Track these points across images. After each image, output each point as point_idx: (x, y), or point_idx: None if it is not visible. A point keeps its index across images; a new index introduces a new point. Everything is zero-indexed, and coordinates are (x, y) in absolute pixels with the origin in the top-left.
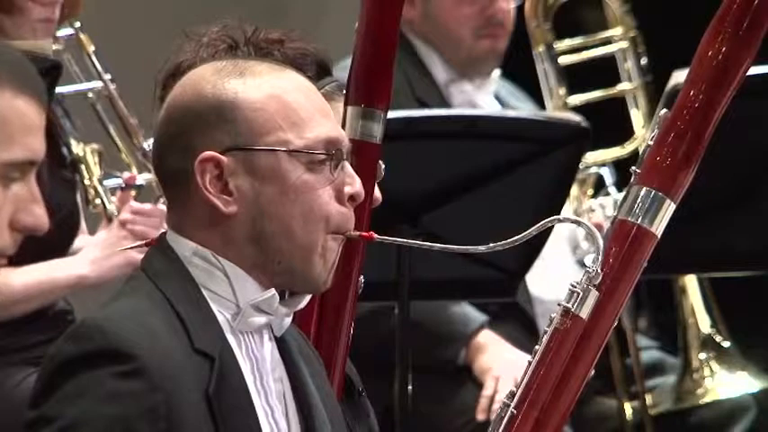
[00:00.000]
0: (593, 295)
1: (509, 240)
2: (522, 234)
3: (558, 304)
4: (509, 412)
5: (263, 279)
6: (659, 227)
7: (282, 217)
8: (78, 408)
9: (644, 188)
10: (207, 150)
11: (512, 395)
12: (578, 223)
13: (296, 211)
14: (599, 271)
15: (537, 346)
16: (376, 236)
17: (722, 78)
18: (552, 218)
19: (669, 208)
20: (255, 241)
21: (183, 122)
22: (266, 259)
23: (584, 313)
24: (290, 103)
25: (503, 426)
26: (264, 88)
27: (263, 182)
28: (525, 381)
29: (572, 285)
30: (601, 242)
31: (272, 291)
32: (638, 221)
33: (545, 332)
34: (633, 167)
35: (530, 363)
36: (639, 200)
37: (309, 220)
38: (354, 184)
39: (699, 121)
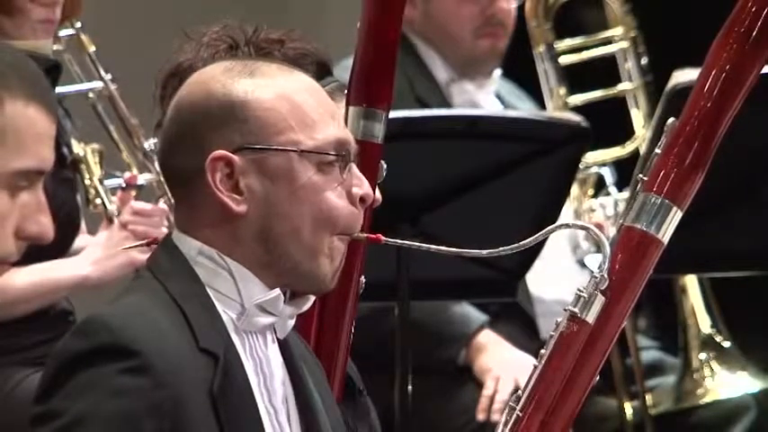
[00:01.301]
0: (600, 300)
1: (515, 245)
2: (528, 240)
3: (565, 309)
4: (515, 415)
5: (268, 279)
6: (666, 234)
7: (292, 217)
8: (84, 403)
9: (651, 195)
10: (218, 149)
11: (518, 398)
12: (586, 229)
13: (305, 211)
14: (605, 276)
15: (543, 350)
16: (383, 238)
17: (732, 86)
18: (560, 224)
19: (676, 215)
20: (263, 241)
21: (193, 121)
22: (273, 259)
23: (591, 318)
24: (300, 104)
25: (509, 428)
26: (275, 89)
27: (274, 182)
28: (531, 384)
29: (579, 290)
30: (608, 248)
31: (277, 291)
32: (645, 228)
33: (551, 336)
34: (640, 175)
35: (536, 366)
36: (647, 207)
37: (318, 221)
38: (363, 186)
39: (707, 129)
